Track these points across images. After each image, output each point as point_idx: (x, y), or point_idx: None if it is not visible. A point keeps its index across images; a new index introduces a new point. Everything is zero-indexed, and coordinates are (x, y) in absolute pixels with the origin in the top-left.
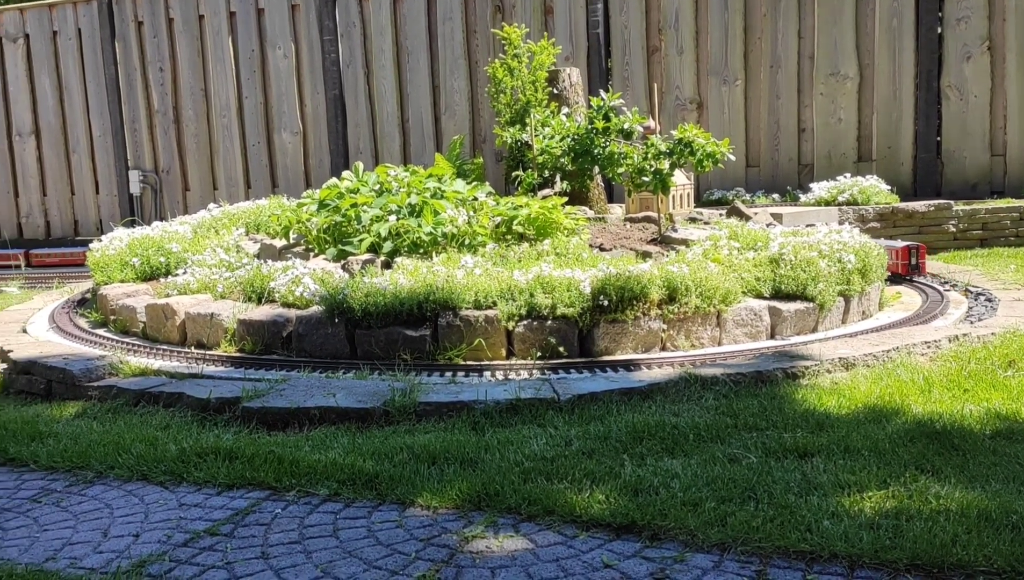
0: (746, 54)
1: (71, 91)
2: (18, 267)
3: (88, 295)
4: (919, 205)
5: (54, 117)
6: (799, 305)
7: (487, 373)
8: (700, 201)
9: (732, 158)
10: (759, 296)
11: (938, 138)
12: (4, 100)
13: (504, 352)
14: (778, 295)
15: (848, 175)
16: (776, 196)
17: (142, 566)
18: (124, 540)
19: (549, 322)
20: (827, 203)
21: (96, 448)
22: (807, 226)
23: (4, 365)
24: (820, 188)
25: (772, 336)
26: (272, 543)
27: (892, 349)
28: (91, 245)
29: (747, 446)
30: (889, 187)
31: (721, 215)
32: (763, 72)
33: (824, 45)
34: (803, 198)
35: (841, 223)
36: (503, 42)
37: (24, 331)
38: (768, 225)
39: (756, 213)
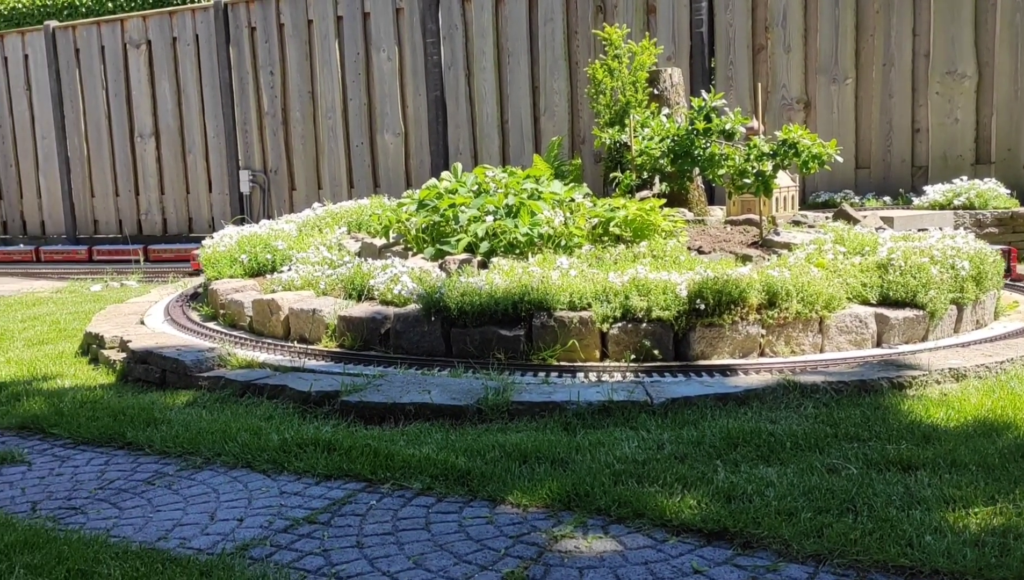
0: (857, 52)
1: (188, 94)
2: (137, 262)
3: (200, 289)
4: None
5: (172, 119)
6: (908, 313)
7: (580, 374)
8: (805, 204)
9: (840, 159)
10: (865, 302)
11: None
12: (127, 103)
13: (598, 354)
14: (886, 302)
15: (964, 178)
16: (887, 199)
17: (245, 549)
18: (229, 524)
19: (644, 325)
20: (942, 207)
21: (205, 435)
22: (919, 230)
23: (124, 354)
24: (934, 191)
25: (878, 344)
26: (367, 533)
27: (1006, 360)
28: (203, 242)
29: (847, 456)
30: (1008, 191)
31: (827, 218)
32: (875, 70)
33: (940, 43)
34: (916, 201)
35: (956, 228)
36: (604, 43)
37: (142, 323)
38: (877, 229)
39: (865, 216)
